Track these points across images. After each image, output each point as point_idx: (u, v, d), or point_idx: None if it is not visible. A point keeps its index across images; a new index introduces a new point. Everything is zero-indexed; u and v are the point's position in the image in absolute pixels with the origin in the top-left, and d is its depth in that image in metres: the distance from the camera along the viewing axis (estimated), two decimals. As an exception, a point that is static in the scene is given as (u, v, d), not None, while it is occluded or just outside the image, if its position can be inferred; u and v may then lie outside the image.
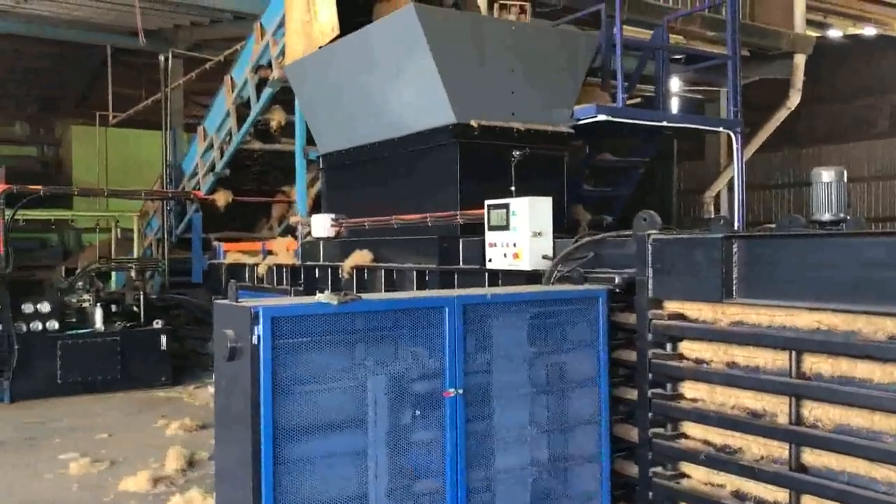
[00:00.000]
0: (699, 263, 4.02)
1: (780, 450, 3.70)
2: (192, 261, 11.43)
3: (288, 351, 3.45)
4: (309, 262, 7.78)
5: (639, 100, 8.28)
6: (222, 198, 11.25)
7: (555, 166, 6.85)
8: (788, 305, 3.65)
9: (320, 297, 3.55)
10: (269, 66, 9.37)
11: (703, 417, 4.03)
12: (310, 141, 8.55)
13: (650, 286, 4.29)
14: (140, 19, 11.51)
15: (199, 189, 11.48)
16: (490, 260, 5.53)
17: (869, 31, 16.48)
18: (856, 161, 18.59)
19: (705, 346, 4.06)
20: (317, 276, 7.59)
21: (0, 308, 9.35)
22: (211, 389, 9.58)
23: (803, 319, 3.60)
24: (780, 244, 3.77)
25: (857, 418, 3.41)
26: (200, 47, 13.81)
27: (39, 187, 10.64)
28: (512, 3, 7.09)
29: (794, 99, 12.95)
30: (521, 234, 5.29)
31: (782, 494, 3.70)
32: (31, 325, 9.58)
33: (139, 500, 5.71)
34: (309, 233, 7.86)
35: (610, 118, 6.69)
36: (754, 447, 3.82)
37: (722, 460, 3.93)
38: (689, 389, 4.15)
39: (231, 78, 10.34)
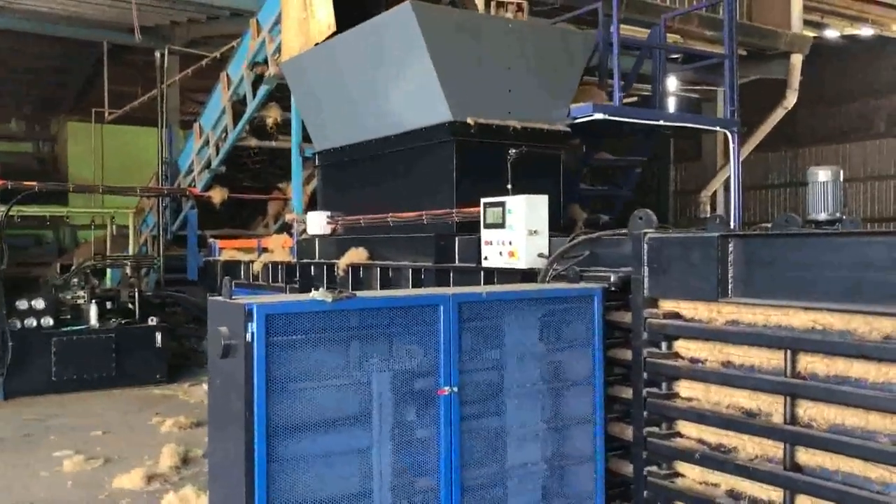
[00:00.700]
0: (695, 262, 4.01)
1: (774, 449, 3.69)
2: (187, 258, 11.41)
3: (282, 348, 3.44)
4: (305, 260, 7.76)
5: (635, 99, 8.27)
6: (218, 195, 11.22)
7: (551, 165, 6.84)
8: (784, 305, 3.65)
9: (315, 295, 3.53)
10: (266, 62, 9.34)
11: (699, 416, 4.02)
12: (306, 138, 8.53)
13: (646, 285, 4.28)
14: (136, 16, 11.47)
15: (194, 186, 11.46)
16: (486, 258, 5.53)
17: (866, 31, 16.48)
18: (853, 161, 18.63)
19: (701, 345, 4.05)
20: (312, 273, 7.58)
21: (-5, 305, 9.32)
22: (206, 387, 9.56)
23: (799, 319, 3.59)
24: (777, 243, 3.76)
25: (852, 418, 3.41)
26: (197, 44, 13.76)
27: (35, 184, 10.60)
28: (509, 1, 7.08)
29: (791, 99, 12.97)
30: (518, 232, 5.28)
31: (777, 494, 3.69)
32: (25, 321, 9.55)
33: (133, 497, 5.69)
34: (304, 230, 7.84)
35: (607, 117, 6.68)
36: (749, 446, 3.81)
37: (717, 459, 3.92)
38: (685, 388, 4.15)
39: (227, 75, 10.32)
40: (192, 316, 11.77)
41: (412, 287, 6.17)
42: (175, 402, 9.09)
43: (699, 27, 11.79)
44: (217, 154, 10.89)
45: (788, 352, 3.59)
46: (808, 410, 3.57)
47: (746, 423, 3.79)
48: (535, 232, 5.28)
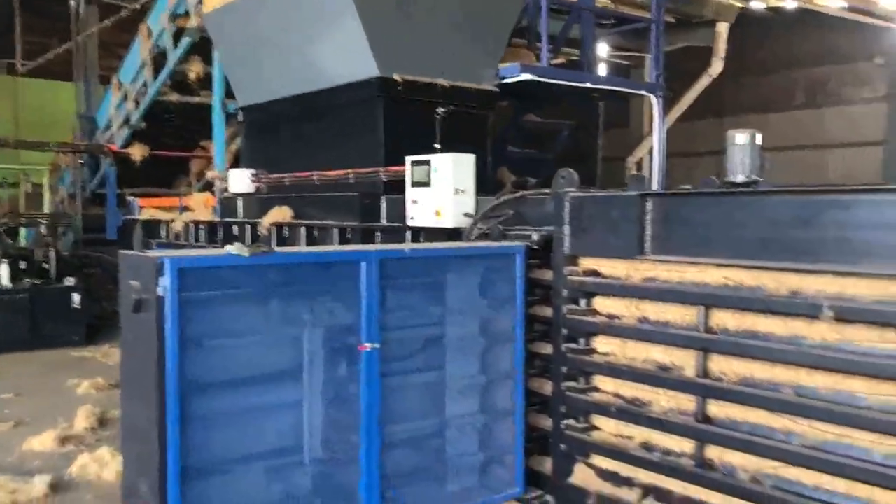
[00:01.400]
0: (614, 221, 4.06)
1: (687, 402, 3.80)
2: (106, 217, 11.03)
3: (197, 304, 3.36)
4: (227, 219, 7.59)
5: (563, 61, 8.29)
6: (138, 151, 10.85)
7: (480, 125, 6.82)
8: (698, 262, 3.73)
9: (230, 249, 3.45)
10: (188, 14, 9.01)
11: (615, 371, 4.11)
12: (229, 93, 8.29)
13: (567, 243, 4.33)
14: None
15: (113, 142, 11.05)
16: (412, 217, 5.49)
17: (790, 3, 16.88)
18: (776, 131, 19.16)
19: (618, 302, 4.13)
20: (235, 232, 7.42)
21: None
22: (126, 348, 9.34)
23: (712, 276, 3.68)
24: (692, 202, 3.84)
25: (760, 371, 3.52)
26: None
27: (-59, 138, 10.06)
28: (438, -44, 6.96)
29: (717, 67, 13.17)
30: (444, 191, 5.26)
31: (688, 445, 3.81)
32: (-67, 281, 9.13)
33: (44, 459, 5.52)
34: (227, 188, 7.66)
35: (534, 78, 6.68)
36: (663, 400, 3.92)
37: (632, 412, 4.03)
38: (602, 344, 4.23)
39: (147, 26, 9.93)
40: (112, 277, 11.42)
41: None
42: (93, 365, 8.83)
43: (629, -9, 11.85)
44: (136, 109, 10.50)
45: (701, 308, 3.69)
46: (719, 364, 3.68)
47: (660, 378, 3.89)
48: (461, 191, 5.26)
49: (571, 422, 4.32)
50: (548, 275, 4.48)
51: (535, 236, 4.57)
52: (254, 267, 3.51)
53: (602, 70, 15.19)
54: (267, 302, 3.64)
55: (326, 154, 6.70)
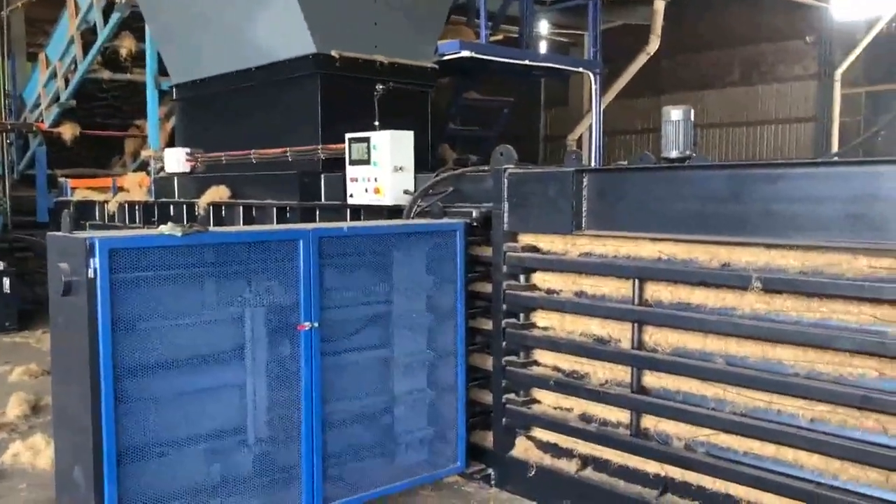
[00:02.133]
0: (552, 197, 4.10)
1: (623, 373, 3.89)
2: (36, 199, 10.67)
3: (129, 285, 3.28)
4: (163, 199, 7.42)
5: (501, 38, 8.29)
6: (69, 131, 10.48)
7: (420, 102, 6.78)
8: (634, 236, 3.81)
9: (163, 229, 3.38)
10: (118, -12, 8.72)
11: (554, 345, 4.18)
12: (163, 70, 8.07)
13: (506, 219, 4.36)
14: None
15: (42, 121, 10.66)
16: (351, 195, 5.46)
17: (725, -18, 17.17)
18: (712, 108, 19.56)
19: (556, 277, 4.18)
20: (171, 213, 7.26)
21: None
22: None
23: (647, 249, 3.76)
24: (627, 178, 3.90)
25: (692, 341, 3.62)
26: (43, -33, 12.67)
27: None
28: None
29: (654, 44, 13.34)
30: (383, 168, 5.23)
31: (625, 415, 3.90)
32: None
33: (-24, 448, 5.36)
34: (162, 168, 7.48)
35: (473, 54, 6.67)
36: (600, 372, 4.00)
37: (570, 385, 4.10)
38: (542, 319, 4.28)
39: (75, 1, 9.57)
40: (44, 261, 11.07)
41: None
42: (26, 350, 8.57)
43: (567, -31, 11.89)
44: (66, 87, 10.15)
45: (636, 281, 3.77)
46: (654, 336, 3.77)
47: (597, 350, 3.97)
48: (400, 168, 5.25)
49: (512, 396, 4.38)
50: (488, 251, 4.51)
51: (475, 213, 4.59)
52: (188, 247, 3.45)
53: (542, 47, 15.30)
54: (203, 282, 3.58)
55: (264, 132, 6.59)
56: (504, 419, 4.40)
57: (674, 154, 4.85)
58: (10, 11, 11.62)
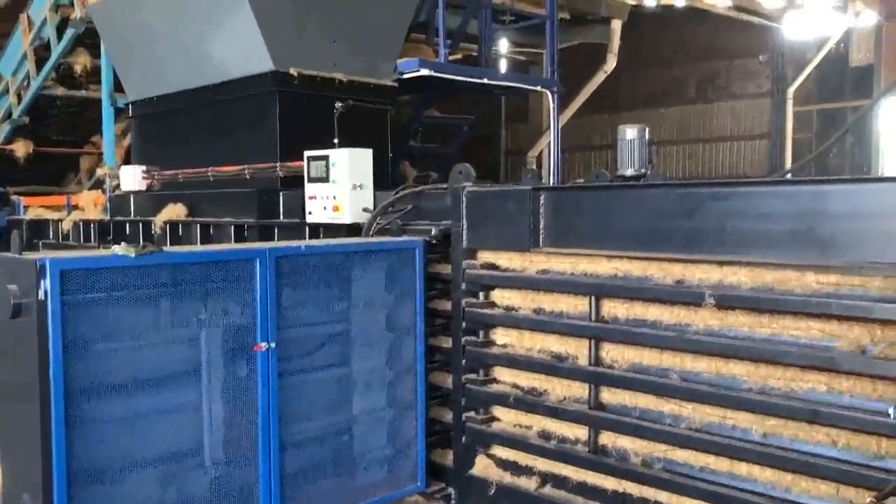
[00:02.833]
0: (509, 214, 4.13)
1: (581, 390, 3.92)
2: (-13, 217, 10.43)
3: (81, 307, 3.23)
4: (119, 218, 7.32)
5: (459, 56, 8.35)
6: (22, 148, 10.29)
7: (379, 120, 6.79)
8: (590, 253, 3.84)
9: (117, 249, 3.33)
10: (72, 4, 8.60)
11: (513, 362, 4.19)
12: (118, 87, 7.98)
13: (465, 237, 4.37)
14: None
15: (-7, 138, 10.45)
16: (310, 213, 5.44)
17: (680, 2, 17.52)
18: (669, 125, 19.94)
19: (515, 294, 4.21)
20: (127, 231, 7.16)
21: None
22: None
23: (603, 266, 3.80)
24: (583, 196, 3.95)
25: (648, 357, 3.66)
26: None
27: None
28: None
29: (611, 63, 13.58)
30: (342, 186, 5.22)
31: (583, 432, 3.92)
32: None
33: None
34: (118, 186, 7.38)
35: (432, 73, 6.71)
36: (559, 388, 4.02)
37: (529, 402, 4.11)
38: (501, 336, 4.30)
39: (28, 16, 9.41)
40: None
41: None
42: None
43: (526, -11, 12.05)
44: (19, 103, 9.97)
45: (593, 297, 3.80)
46: (611, 352, 3.80)
47: (556, 367, 3.99)
48: (359, 186, 5.24)
49: (472, 414, 4.38)
50: (447, 269, 4.52)
51: (434, 231, 4.60)
52: (142, 267, 3.40)
53: (502, 65, 15.44)
54: (157, 303, 3.53)
55: (222, 150, 6.54)
56: (464, 437, 4.40)
57: (629, 172, 4.94)
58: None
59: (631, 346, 3.72)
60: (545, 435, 4.09)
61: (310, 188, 5.41)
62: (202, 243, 6.28)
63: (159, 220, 6.57)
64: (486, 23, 8.29)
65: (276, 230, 5.82)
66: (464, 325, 4.38)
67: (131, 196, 7.23)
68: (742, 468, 3.39)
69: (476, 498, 4.35)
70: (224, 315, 3.72)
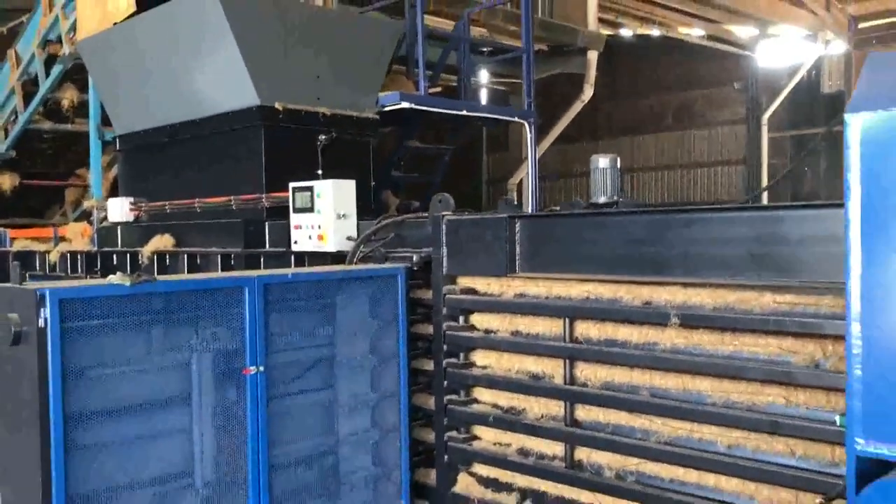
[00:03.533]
0: (487, 241, 4.34)
1: (557, 408, 4.10)
2: (-28, 249, 10.51)
3: (79, 334, 3.37)
4: (106, 249, 7.45)
5: (440, 89, 8.59)
6: (7, 181, 10.41)
7: (362, 151, 6.99)
8: (564, 277, 4.05)
9: (112, 279, 3.49)
10: (60, 41, 8.79)
11: (492, 382, 4.38)
12: (105, 121, 8.15)
13: (444, 263, 4.57)
14: None
15: (-21, 172, 10.57)
16: (296, 242, 5.61)
17: (655, 32, 17.96)
18: (646, 152, 20.31)
19: (493, 317, 4.40)
20: (115, 262, 7.29)
21: None
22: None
23: (576, 290, 4.00)
24: (556, 223, 4.16)
25: (620, 375, 3.86)
26: (-21, 17, 12.63)
27: None
28: (317, -13, 7.16)
29: (588, 93, 13.86)
30: (326, 215, 5.41)
31: (559, 448, 4.10)
32: None
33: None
34: (105, 217, 7.52)
35: (413, 106, 6.94)
36: (536, 407, 4.21)
37: (508, 421, 4.29)
38: (480, 358, 4.49)
39: (16, 52, 9.60)
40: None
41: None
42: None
43: (504, 22, 12.32)
44: (6, 138, 10.11)
45: (567, 319, 4.00)
46: (584, 371, 3.99)
47: (533, 386, 4.18)
48: (343, 215, 5.43)
49: (454, 433, 4.55)
50: (428, 294, 4.70)
51: (416, 258, 4.79)
52: (136, 296, 3.56)
53: (483, 95, 15.76)
54: (150, 330, 3.68)
55: (208, 181, 6.71)
56: (446, 456, 4.56)
57: (602, 199, 5.16)
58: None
59: (603, 364, 3.91)
60: (524, 452, 4.26)
61: (295, 218, 5.60)
62: (189, 272, 6.43)
63: (147, 250, 6.71)
64: (465, 55, 8.55)
65: (262, 259, 5.99)
66: (445, 347, 4.56)
67: (118, 227, 7.38)
68: (709, 479, 3.58)
69: (459, 515, 4.50)
70: (214, 340, 3.87)
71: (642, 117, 20.52)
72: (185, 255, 6.54)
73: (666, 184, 20.41)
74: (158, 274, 6.50)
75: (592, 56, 13.79)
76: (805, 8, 16.57)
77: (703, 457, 3.55)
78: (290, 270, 4.62)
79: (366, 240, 5.11)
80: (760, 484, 3.41)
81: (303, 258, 5.66)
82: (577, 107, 13.73)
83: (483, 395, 4.48)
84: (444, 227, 4.58)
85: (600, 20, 14.66)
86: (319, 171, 6.23)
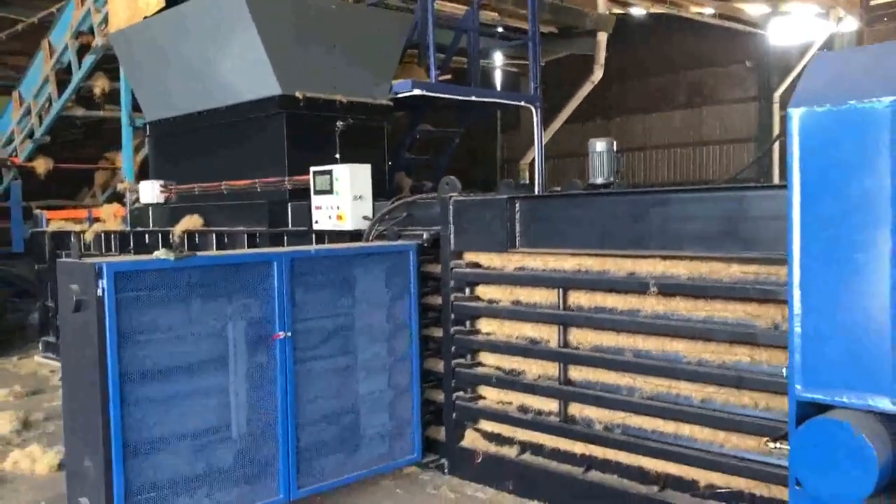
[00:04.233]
0: (489, 220, 4.79)
1: (552, 369, 4.58)
2: (11, 230, 11.10)
3: (130, 302, 3.87)
4: (138, 228, 7.96)
5: (449, 76, 8.97)
6: (42, 165, 10.96)
7: (377, 136, 7.44)
8: (557, 252, 4.51)
9: (158, 254, 3.98)
10: (92, 32, 9.27)
11: (495, 347, 4.85)
12: (135, 107, 8.63)
13: (452, 240, 5.03)
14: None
15: (16, 155, 11.12)
16: (316, 221, 6.08)
17: (666, 11, 18.13)
18: (658, 130, 20.54)
19: (496, 289, 4.87)
20: (147, 241, 7.79)
21: None
22: (37, 359, 9.50)
23: (569, 263, 4.46)
24: (551, 203, 4.61)
25: (607, 339, 4.32)
26: (8, 4, 13.09)
27: None
28: (334, -19, 7.54)
29: (598, 73, 14.18)
30: (344, 197, 5.88)
31: (555, 404, 4.58)
32: None
33: (-25, 460, 5.82)
34: (137, 199, 8.02)
35: (424, 93, 7.36)
36: (534, 368, 4.68)
37: (509, 381, 4.77)
38: (484, 325, 4.96)
39: (49, 42, 10.08)
40: (18, 290, 11.46)
41: (248, 250, 6.60)
42: (6, 375, 8.97)
43: (514, 6, 12.69)
44: (41, 124, 10.64)
45: (561, 289, 4.46)
46: (576, 336, 4.46)
47: (531, 349, 4.65)
48: (360, 197, 5.89)
49: (461, 393, 5.03)
50: (437, 268, 5.17)
51: (426, 235, 5.25)
52: (179, 269, 4.05)
53: (497, 76, 16.08)
54: (190, 300, 4.17)
55: (234, 165, 7.18)
56: (454, 414, 5.05)
57: (599, 181, 5.61)
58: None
59: (593, 329, 4.38)
60: (524, 409, 4.74)
61: (316, 199, 6.07)
62: (218, 250, 6.92)
63: (177, 229, 7.20)
64: (475, 41, 8.93)
65: (285, 237, 6.47)
66: (452, 316, 5.03)
67: (150, 208, 7.88)
68: (685, 429, 4.04)
69: (466, 467, 5.00)
70: (246, 309, 4.37)
71: (654, 96, 20.70)
72: (214, 234, 7.03)
73: (678, 162, 20.64)
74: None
75: (602, 37, 14.08)
76: (815, -14, 16.70)
77: (680, 410, 4.01)
78: (314, 247, 5.09)
79: (380, 219, 5.57)
80: (729, 433, 3.86)
81: (323, 236, 6.12)
82: (587, 87, 14.05)
83: (487, 358, 4.96)
84: (451, 207, 5.03)
85: (613, 0, 14.90)
86: (337, 155, 6.69)
